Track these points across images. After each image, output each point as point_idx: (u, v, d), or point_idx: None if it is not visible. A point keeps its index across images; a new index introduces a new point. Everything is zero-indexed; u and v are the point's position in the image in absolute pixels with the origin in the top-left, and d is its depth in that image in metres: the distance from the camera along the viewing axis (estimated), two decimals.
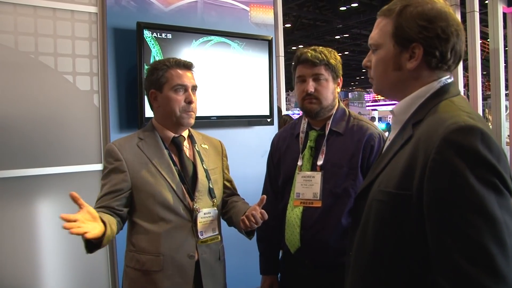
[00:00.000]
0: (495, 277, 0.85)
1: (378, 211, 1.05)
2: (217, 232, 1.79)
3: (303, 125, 1.90)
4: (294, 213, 1.81)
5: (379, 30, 1.14)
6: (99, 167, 2.51)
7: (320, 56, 1.78)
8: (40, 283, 2.35)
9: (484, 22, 8.17)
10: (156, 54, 2.55)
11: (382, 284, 1.04)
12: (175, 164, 1.74)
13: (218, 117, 2.84)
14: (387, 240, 1.02)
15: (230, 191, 1.94)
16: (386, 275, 1.03)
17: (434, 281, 0.93)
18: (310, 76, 1.79)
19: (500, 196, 0.88)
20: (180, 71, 1.73)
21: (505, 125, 6.84)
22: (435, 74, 1.10)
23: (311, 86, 1.79)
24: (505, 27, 7.06)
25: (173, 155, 1.76)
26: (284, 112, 7.14)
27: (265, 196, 1.68)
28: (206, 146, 1.88)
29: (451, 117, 0.96)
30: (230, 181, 1.96)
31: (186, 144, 1.82)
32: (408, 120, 1.10)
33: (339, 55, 1.89)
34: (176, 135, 1.78)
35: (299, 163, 1.85)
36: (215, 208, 1.79)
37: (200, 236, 1.72)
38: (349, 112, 1.91)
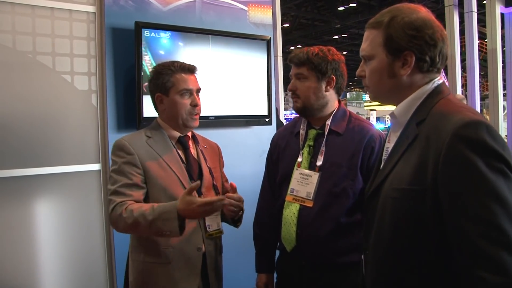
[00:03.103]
0: None
1: (393, 208, 1.13)
2: (220, 227, 1.86)
3: (303, 123, 1.91)
4: (290, 211, 1.81)
5: (370, 41, 1.21)
6: (97, 167, 2.51)
7: (302, 57, 1.81)
8: (39, 282, 2.34)
9: (482, 22, 8.20)
10: (154, 54, 2.55)
11: (403, 277, 1.11)
12: (182, 161, 1.80)
13: (216, 117, 2.83)
14: (405, 234, 1.10)
15: (224, 189, 1.99)
16: (406, 268, 1.10)
17: (458, 265, 1.00)
18: (293, 75, 1.85)
19: (508, 180, 0.98)
20: (185, 76, 1.78)
21: (502, 125, 6.86)
22: (427, 77, 1.18)
23: (291, 84, 1.85)
24: (502, 27, 7.07)
25: (179, 153, 1.82)
26: (282, 112, 7.14)
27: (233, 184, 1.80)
28: (206, 147, 1.95)
29: (456, 114, 1.05)
30: (227, 182, 2.02)
31: (190, 143, 1.88)
32: (410, 121, 1.18)
33: None
34: (182, 135, 1.84)
35: (299, 159, 1.85)
36: None
37: (208, 229, 1.78)
38: (350, 113, 1.92)
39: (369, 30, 1.22)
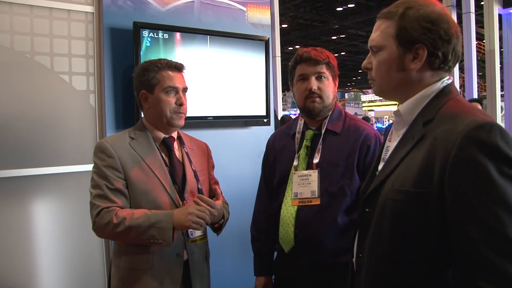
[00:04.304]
0: None
1: (394, 210, 1.07)
2: (205, 233, 1.81)
3: (299, 125, 1.91)
4: (288, 212, 1.81)
5: (381, 32, 1.16)
6: None
7: (323, 55, 1.81)
8: (37, 283, 2.34)
9: (480, 23, 8.20)
10: (152, 54, 2.54)
11: (402, 281, 1.06)
12: (166, 165, 1.75)
13: (215, 117, 2.83)
14: (406, 238, 1.05)
15: (211, 193, 1.95)
16: (406, 273, 1.06)
17: (460, 273, 0.97)
18: (313, 75, 1.81)
19: None
20: (171, 73, 1.73)
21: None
22: (437, 75, 1.13)
23: (314, 84, 1.80)
24: (500, 28, 7.08)
25: (163, 155, 1.76)
26: (280, 113, 7.14)
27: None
28: (193, 148, 1.89)
29: (468, 115, 1.00)
30: (216, 183, 1.97)
31: (175, 145, 1.83)
32: (415, 120, 1.12)
33: (336, 56, 1.92)
34: (167, 136, 1.79)
35: (295, 163, 1.85)
36: None
37: (190, 236, 1.73)
38: (345, 112, 1.92)
39: (381, 20, 1.16)
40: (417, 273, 1.04)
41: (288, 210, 1.81)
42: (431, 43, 1.09)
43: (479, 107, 5.51)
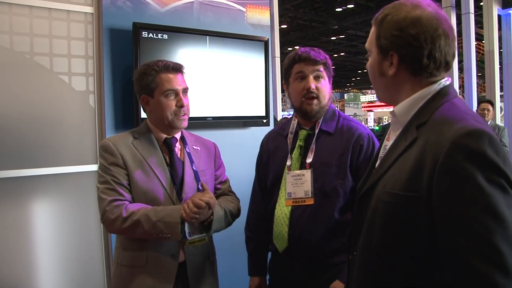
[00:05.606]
0: (506, 273, 0.89)
1: (384, 212, 1.08)
2: (204, 234, 1.77)
3: (293, 125, 1.91)
4: (282, 212, 1.81)
5: (369, 37, 1.19)
6: (94, 167, 2.50)
7: (321, 55, 1.82)
8: (36, 283, 2.34)
9: (479, 23, 8.22)
10: (151, 54, 2.55)
11: (391, 281, 1.07)
12: (167, 165, 1.75)
13: (214, 118, 2.84)
14: (395, 239, 1.05)
15: (220, 191, 1.94)
16: (394, 273, 1.06)
17: (445, 278, 0.96)
18: (311, 73, 1.80)
19: (507, 196, 0.92)
20: (169, 75, 1.72)
21: None
22: (421, 80, 1.12)
23: (313, 83, 1.79)
24: (500, 28, 7.10)
25: (165, 155, 1.77)
26: (279, 113, 7.14)
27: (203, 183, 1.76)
28: (197, 148, 1.88)
29: (459, 120, 0.99)
30: (222, 182, 1.96)
31: (177, 145, 1.83)
32: (410, 122, 1.12)
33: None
34: (169, 136, 1.80)
35: (288, 162, 1.85)
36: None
37: (188, 237, 1.69)
38: (338, 112, 1.93)
39: (372, 25, 1.19)
40: (405, 274, 1.04)
41: (282, 210, 1.81)
42: (400, 51, 1.10)
43: (490, 108, 5.52)
